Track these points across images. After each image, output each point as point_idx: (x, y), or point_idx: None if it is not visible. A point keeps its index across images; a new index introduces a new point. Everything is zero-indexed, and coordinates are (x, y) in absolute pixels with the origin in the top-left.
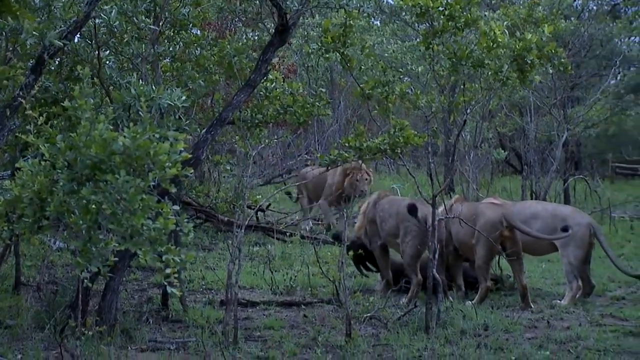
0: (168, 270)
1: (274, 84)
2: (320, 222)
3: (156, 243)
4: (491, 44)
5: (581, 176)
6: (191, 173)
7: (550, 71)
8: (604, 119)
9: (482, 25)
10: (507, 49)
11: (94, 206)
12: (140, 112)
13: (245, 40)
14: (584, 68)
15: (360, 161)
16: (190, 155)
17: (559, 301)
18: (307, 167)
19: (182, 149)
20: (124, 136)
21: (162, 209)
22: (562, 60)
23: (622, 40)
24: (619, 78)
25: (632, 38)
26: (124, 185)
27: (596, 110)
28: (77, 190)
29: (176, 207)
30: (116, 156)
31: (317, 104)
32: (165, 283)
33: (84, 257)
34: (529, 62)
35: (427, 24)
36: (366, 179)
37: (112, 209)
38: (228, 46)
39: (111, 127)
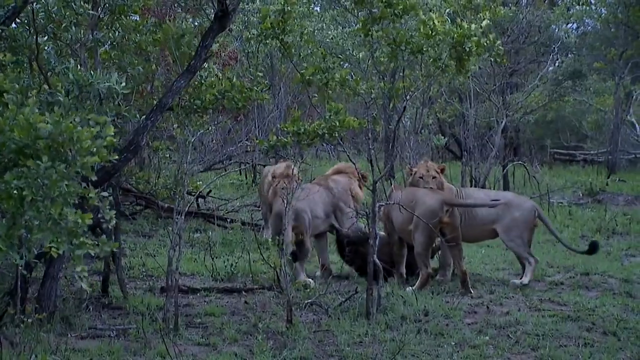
0: (79, 268)
1: (207, 72)
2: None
3: (72, 235)
4: (430, 32)
5: (520, 162)
6: (116, 159)
7: (491, 59)
8: (542, 105)
9: (420, 14)
10: (446, 37)
11: (15, 192)
12: (59, 96)
13: (185, 27)
14: (523, 55)
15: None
16: (114, 139)
17: (518, 281)
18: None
19: (112, 135)
20: (47, 120)
21: (87, 195)
22: (498, 50)
23: (560, 26)
24: (557, 64)
25: (570, 25)
26: (46, 171)
27: (535, 96)
28: (1, 176)
29: (105, 194)
30: (41, 141)
31: (255, 88)
32: (78, 277)
33: (5, 242)
34: (468, 49)
35: (366, 11)
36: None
37: (32, 196)
38: (173, 29)
39: (38, 111)
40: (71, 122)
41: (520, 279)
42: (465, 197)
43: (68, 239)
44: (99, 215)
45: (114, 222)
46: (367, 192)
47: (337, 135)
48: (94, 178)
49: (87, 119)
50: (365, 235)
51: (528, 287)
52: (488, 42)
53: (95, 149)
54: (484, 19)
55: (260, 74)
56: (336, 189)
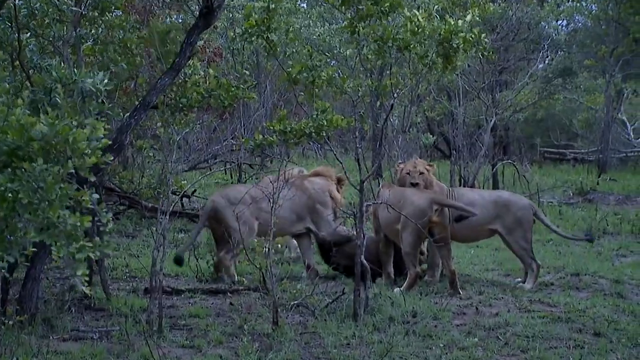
0: (80, 272)
1: (191, 69)
2: None
3: (71, 238)
4: (416, 28)
5: (509, 161)
6: (111, 160)
7: (480, 56)
8: (532, 103)
9: (405, 11)
10: (434, 33)
11: (10, 194)
12: (57, 98)
13: (170, 22)
14: (512, 52)
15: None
16: (110, 142)
17: (522, 284)
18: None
19: (102, 136)
20: (42, 122)
21: (81, 197)
22: (484, 44)
23: (550, 23)
24: (546, 62)
25: (560, 21)
26: (41, 174)
27: (524, 94)
28: None
29: (96, 195)
30: (34, 143)
31: (242, 87)
32: (78, 282)
33: (0, 246)
34: (455, 46)
35: (352, 9)
36: None
37: (28, 199)
38: (159, 25)
39: (29, 112)
40: (67, 125)
41: (522, 282)
42: (457, 198)
43: (67, 242)
44: (95, 219)
45: (111, 224)
46: (354, 191)
47: (324, 134)
48: (93, 179)
49: (86, 123)
50: (344, 236)
51: (517, 289)
52: (473, 36)
53: (89, 151)
54: (468, 14)
55: (247, 73)
56: (312, 190)
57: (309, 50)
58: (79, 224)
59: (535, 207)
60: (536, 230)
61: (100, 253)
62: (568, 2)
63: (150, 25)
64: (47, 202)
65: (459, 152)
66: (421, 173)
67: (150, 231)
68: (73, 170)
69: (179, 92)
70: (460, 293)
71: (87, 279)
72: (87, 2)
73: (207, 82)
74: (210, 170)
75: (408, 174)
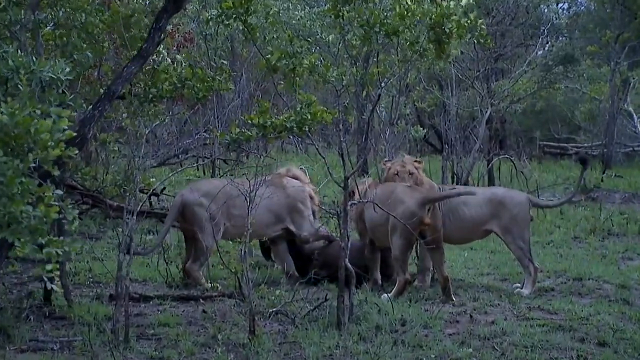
0: (49, 266)
1: (161, 56)
2: None
3: (37, 233)
4: (405, 12)
5: (507, 156)
6: (76, 154)
7: (474, 42)
8: (530, 93)
9: None
10: (425, 16)
11: None
12: (19, 86)
13: (134, 7)
14: (509, 37)
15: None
16: (75, 134)
17: (520, 289)
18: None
19: (66, 127)
20: (1, 112)
21: (43, 194)
22: (482, 31)
23: (550, 6)
24: (547, 48)
25: (561, 4)
26: (1, 167)
27: (522, 83)
28: None
29: (59, 192)
30: None
31: (218, 77)
32: (46, 279)
33: None
34: (447, 31)
35: None
36: None
37: None
38: (122, 9)
39: None
40: (29, 114)
41: (521, 287)
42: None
43: (32, 238)
44: (60, 215)
45: (77, 222)
46: (338, 189)
47: (306, 128)
48: (57, 173)
49: (48, 111)
50: (326, 237)
51: (514, 295)
52: (469, 22)
53: (52, 143)
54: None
55: (225, 62)
56: (291, 188)
57: (289, 36)
58: (44, 216)
59: (533, 198)
60: (535, 231)
61: (67, 251)
62: None
63: (112, 8)
64: (7, 197)
65: (451, 147)
66: (411, 173)
67: (116, 232)
68: (34, 165)
69: (148, 81)
70: (453, 299)
71: (57, 272)
72: None
73: (178, 70)
74: (181, 166)
75: (396, 174)
